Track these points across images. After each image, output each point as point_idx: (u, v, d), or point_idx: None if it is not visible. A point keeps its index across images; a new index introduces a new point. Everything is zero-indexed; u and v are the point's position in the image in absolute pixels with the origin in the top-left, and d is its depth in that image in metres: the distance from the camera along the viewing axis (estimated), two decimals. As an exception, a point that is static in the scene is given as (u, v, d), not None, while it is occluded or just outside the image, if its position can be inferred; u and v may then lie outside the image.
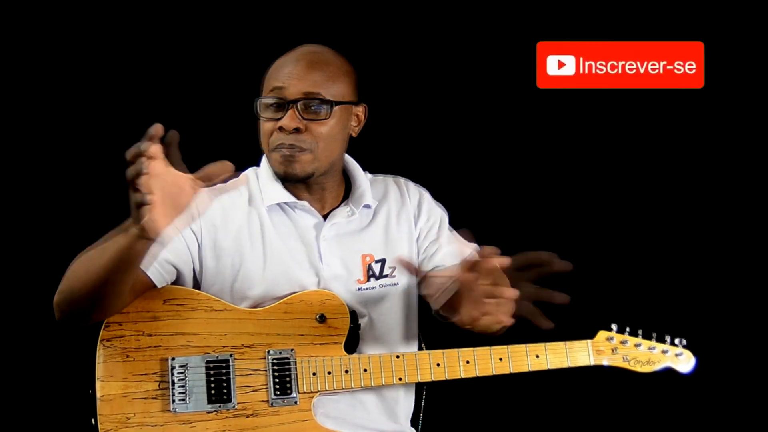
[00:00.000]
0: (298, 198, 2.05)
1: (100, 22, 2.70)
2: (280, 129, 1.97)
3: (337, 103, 1.99)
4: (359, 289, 2.04)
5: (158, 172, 1.60)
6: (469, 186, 2.79)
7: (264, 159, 2.10)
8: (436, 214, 2.15)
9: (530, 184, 2.85)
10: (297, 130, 1.96)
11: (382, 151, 2.35)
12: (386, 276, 2.06)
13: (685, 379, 2.08)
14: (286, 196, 2.04)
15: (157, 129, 1.60)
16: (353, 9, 2.76)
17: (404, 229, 2.11)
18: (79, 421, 1.90)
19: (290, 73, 1.97)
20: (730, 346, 2.70)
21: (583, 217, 2.83)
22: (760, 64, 2.71)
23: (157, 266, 1.92)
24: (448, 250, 2.10)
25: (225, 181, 2.04)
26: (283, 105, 1.97)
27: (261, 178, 2.08)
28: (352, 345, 1.99)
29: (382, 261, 2.07)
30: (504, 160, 2.85)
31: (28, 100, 2.70)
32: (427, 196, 2.17)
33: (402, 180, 2.19)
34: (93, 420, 1.88)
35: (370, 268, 2.06)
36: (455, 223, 2.17)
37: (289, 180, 2.02)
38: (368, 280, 2.05)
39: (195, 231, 1.99)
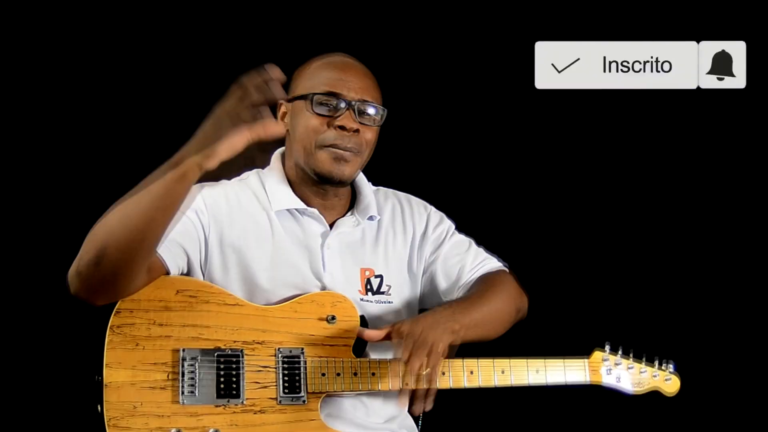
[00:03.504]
0: (308, 204, 2.05)
1: (101, 24, 2.67)
2: (339, 128, 1.97)
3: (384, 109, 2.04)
4: (361, 299, 2.05)
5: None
6: (467, 188, 2.81)
7: (274, 159, 2.10)
8: (444, 226, 2.17)
9: (528, 185, 2.86)
10: (356, 132, 1.98)
11: (378, 151, 2.36)
12: (383, 293, 2.08)
13: (670, 400, 2.17)
14: (296, 202, 2.05)
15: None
16: (351, 9, 2.76)
17: (406, 247, 2.12)
18: (85, 408, 1.88)
19: (344, 80, 1.99)
20: (717, 368, 2.77)
21: (581, 218, 2.85)
22: (759, 65, 2.73)
23: (168, 246, 1.91)
24: (447, 250, 2.13)
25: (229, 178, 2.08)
26: (342, 104, 1.98)
27: (268, 182, 2.07)
28: (359, 349, 2.01)
29: (381, 277, 2.09)
30: (502, 162, 2.86)
31: (29, 101, 2.66)
32: (432, 211, 2.19)
33: (403, 196, 2.20)
34: (99, 407, 1.86)
35: (368, 282, 2.08)
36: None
37: (331, 182, 2.02)
38: (366, 293, 2.07)
39: (204, 223, 1.99)
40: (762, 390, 2.80)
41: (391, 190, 2.21)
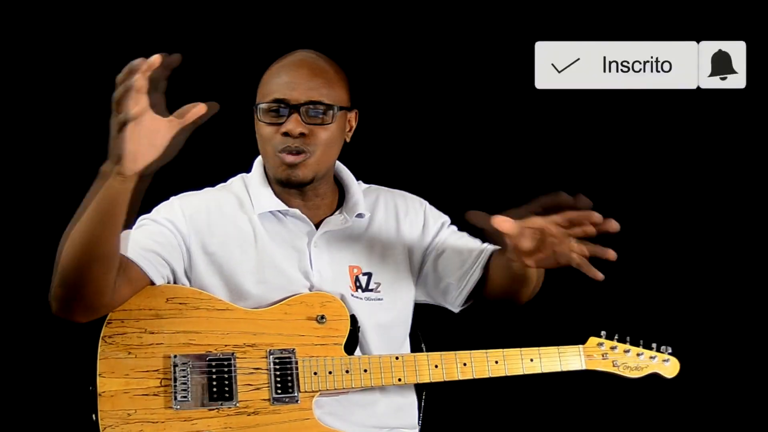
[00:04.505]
0: (290, 206, 2.07)
1: (96, 24, 2.71)
2: (285, 134, 2.00)
3: (339, 108, 2.03)
4: (352, 295, 2.06)
5: (141, 107, 1.67)
6: (467, 188, 2.79)
7: (256, 164, 2.13)
8: (441, 218, 2.18)
9: (528, 185, 2.78)
10: (302, 135, 2.00)
11: (379, 152, 2.36)
12: (371, 290, 2.09)
13: (670, 383, 2.15)
14: (277, 204, 2.06)
15: (151, 61, 1.66)
16: (348, 8, 2.77)
17: (402, 244, 2.13)
18: (80, 418, 1.90)
19: (291, 83, 2.01)
20: (715, 352, 2.76)
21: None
22: (759, 65, 2.72)
23: (149, 257, 1.94)
24: (448, 235, 2.14)
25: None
26: (285, 110, 2.00)
27: (251, 185, 2.10)
28: (350, 348, 2.01)
29: (369, 275, 2.09)
30: (502, 162, 2.85)
31: (28, 100, 2.70)
32: (427, 205, 2.20)
33: (398, 193, 2.20)
34: (93, 416, 1.88)
35: (357, 279, 2.08)
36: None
37: (290, 186, 2.04)
38: (357, 290, 2.08)
39: (183, 233, 2.01)
40: (760, 374, 2.79)
41: (383, 187, 2.21)
